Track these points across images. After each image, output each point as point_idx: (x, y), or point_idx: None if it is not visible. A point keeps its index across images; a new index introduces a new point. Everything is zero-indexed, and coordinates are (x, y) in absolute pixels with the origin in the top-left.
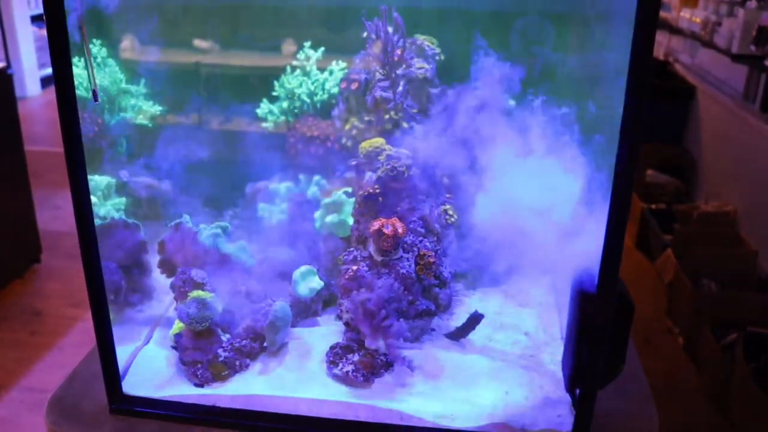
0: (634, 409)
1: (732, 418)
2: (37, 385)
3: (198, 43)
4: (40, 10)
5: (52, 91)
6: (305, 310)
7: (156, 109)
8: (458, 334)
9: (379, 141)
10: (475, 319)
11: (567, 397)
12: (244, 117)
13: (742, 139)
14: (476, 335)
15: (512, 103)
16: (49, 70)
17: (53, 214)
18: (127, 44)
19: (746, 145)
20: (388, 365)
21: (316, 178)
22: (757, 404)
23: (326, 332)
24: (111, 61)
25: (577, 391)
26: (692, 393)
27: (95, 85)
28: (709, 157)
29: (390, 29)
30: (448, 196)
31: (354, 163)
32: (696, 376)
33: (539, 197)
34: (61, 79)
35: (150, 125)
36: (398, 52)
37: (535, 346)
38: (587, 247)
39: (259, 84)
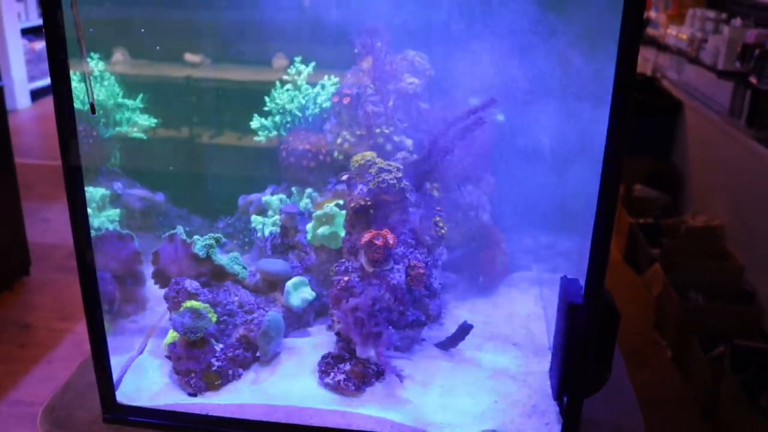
0: (621, 418)
1: (721, 430)
2: (26, 398)
3: (189, 57)
4: (31, 23)
5: (42, 104)
6: (297, 321)
7: (150, 122)
8: (448, 344)
9: (370, 154)
10: (464, 329)
11: (555, 406)
12: (236, 130)
13: (728, 153)
14: (465, 345)
15: (500, 118)
16: (39, 83)
17: (43, 226)
18: (119, 57)
19: (732, 159)
20: (379, 374)
21: (308, 190)
22: (746, 416)
23: (318, 342)
24: (108, 75)
25: (565, 399)
26: (680, 405)
27: (93, 97)
28: (696, 171)
29: (379, 45)
30: (438, 208)
31: (345, 176)
32: (684, 387)
33: None
34: (59, 92)
35: (144, 138)
36: (388, 67)
37: (523, 356)
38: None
39: (252, 98)
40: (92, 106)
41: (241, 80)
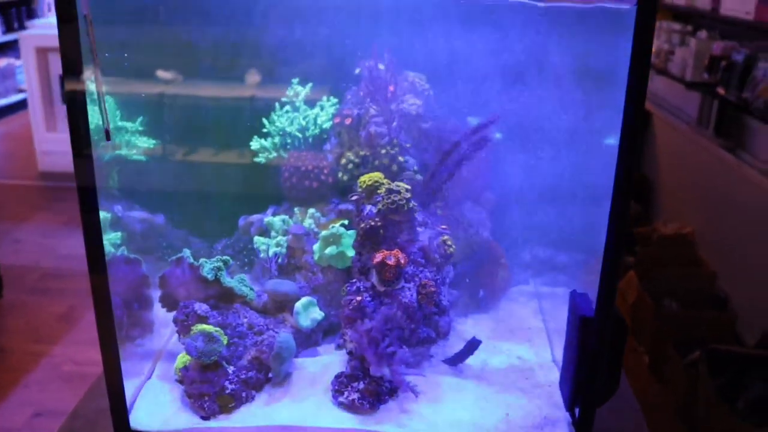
0: (626, 425)
1: None
2: (3, 425)
3: (161, 74)
4: None
5: (7, 122)
6: (306, 340)
7: (149, 143)
8: (456, 360)
9: (377, 175)
10: (473, 344)
11: (565, 416)
12: (233, 150)
13: (697, 162)
14: (472, 360)
15: (498, 136)
16: (3, 101)
17: (13, 248)
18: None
19: (701, 168)
20: (393, 392)
21: (311, 210)
22: (724, 420)
23: (328, 361)
24: (107, 98)
25: (577, 410)
26: (660, 410)
27: (108, 122)
28: (667, 180)
29: (381, 66)
30: (443, 227)
31: (355, 197)
32: (662, 393)
33: None
34: (74, 117)
35: (144, 160)
36: (390, 88)
37: (528, 369)
38: None
39: (253, 117)
40: (107, 132)
41: (218, 97)
